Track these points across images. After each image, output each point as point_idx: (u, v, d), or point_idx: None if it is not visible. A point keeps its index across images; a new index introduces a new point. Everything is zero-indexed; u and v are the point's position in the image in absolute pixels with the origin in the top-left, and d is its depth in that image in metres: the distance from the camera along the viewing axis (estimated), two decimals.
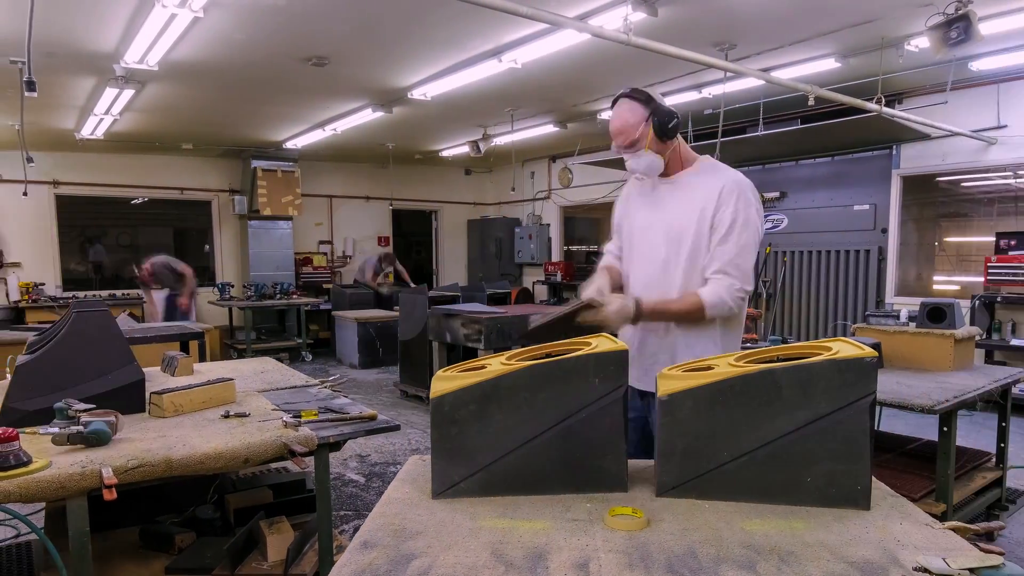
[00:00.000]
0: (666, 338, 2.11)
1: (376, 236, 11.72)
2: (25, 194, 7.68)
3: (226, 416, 2.40)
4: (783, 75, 5.47)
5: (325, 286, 10.59)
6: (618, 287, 2.22)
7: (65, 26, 4.53)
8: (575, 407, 1.55)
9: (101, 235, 10.10)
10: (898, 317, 4.07)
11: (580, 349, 1.64)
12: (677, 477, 1.53)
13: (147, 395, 2.49)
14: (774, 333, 7.57)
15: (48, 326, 3.39)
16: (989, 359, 6.13)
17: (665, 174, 2.13)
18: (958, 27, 3.85)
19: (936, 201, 7.08)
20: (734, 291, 2.00)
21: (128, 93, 6.02)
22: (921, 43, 4.88)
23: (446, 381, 1.56)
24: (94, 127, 7.39)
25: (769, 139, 6.72)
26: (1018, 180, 6.29)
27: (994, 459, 3.70)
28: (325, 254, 11.16)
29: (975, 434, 5.14)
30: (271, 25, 4.66)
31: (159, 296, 7.57)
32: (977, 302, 6.03)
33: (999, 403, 3.57)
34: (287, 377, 3.25)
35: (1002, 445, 3.62)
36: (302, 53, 5.32)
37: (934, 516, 1.46)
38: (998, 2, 4.27)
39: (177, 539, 2.57)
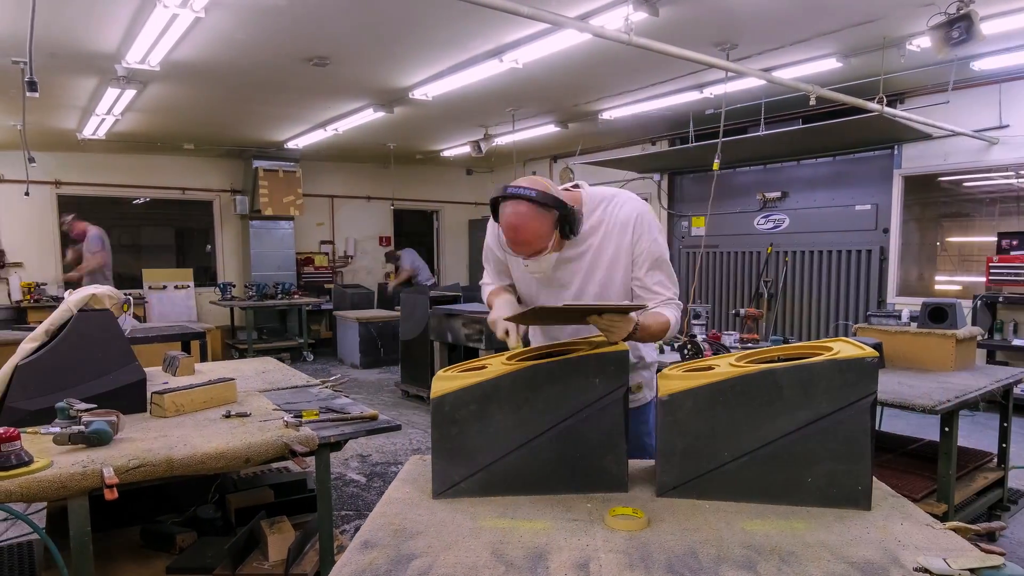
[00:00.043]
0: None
1: (378, 236, 11.72)
2: (27, 194, 7.69)
3: (227, 416, 2.40)
4: (784, 75, 5.47)
5: (327, 286, 10.60)
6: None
7: (67, 26, 4.54)
8: (575, 407, 1.55)
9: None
10: (899, 317, 4.06)
11: (580, 349, 1.64)
12: (677, 477, 1.53)
13: (148, 395, 2.50)
14: (775, 333, 7.56)
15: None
16: (991, 359, 6.12)
17: None
18: (960, 27, 3.84)
19: (938, 201, 7.06)
20: (679, 314, 2.01)
21: (130, 93, 6.03)
22: (923, 43, 4.87)
23: (447, 381, 1.57)
24: (96, 127, 7.40)
25: (770, 139, 6.71)
26: (1020, 180, 6.28)
27: (996, 459, 3.70)
28: (327, 254, 11.17)
29: (977, 434, 5.14)
30: (272, 25, 4.66)
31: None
32: (979, 302, 6.02)
33: (1001, 403, 3.57)
34: (288, 377, 3.25)
35: (1004, 445, 3.61)
36: (303, 53, 5.33)
37: (935, 516, 1.46)
38: (1000, 2, 4.27)
39: (178, 539, 2.57)
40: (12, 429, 1.84)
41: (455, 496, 1.55)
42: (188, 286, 9.49)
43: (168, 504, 2.84)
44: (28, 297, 8.48)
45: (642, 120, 7.76)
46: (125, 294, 2.88)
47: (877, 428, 3.47)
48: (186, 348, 4.94)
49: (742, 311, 4.90)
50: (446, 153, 10.15)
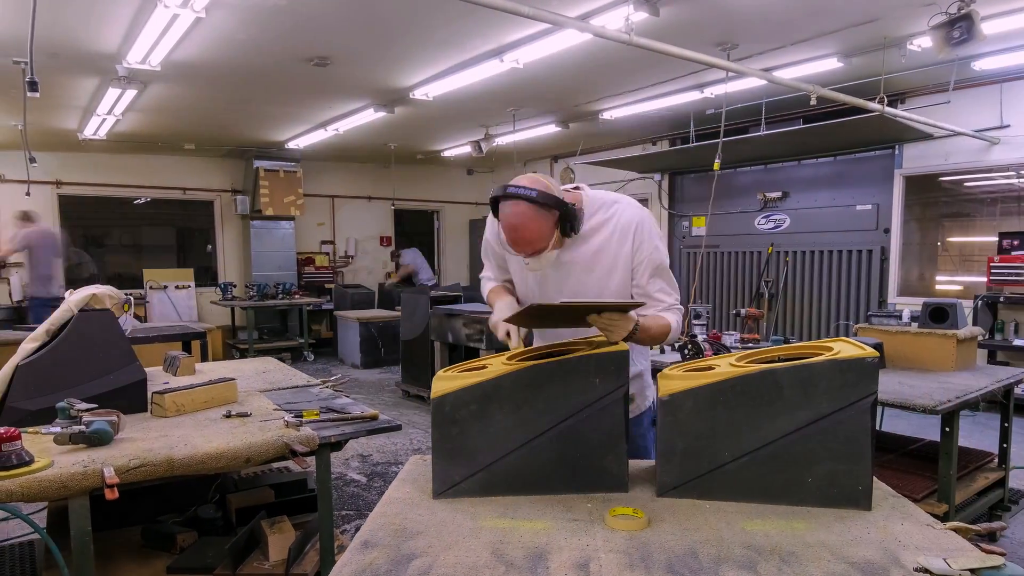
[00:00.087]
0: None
1: (378, 236, 11.73)
2: (28, 194, 7.69)
3: (228, 416, 2.40)
4: (785, 75, 5.47)
5: (327, 286, 10.61)
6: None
7: (67, 26, 4.54)
8: (576, 407, 1.55)
9: (103, 235, 10.14)
10: (900, 317, 4.06)
11: (580, 349, 1.64)
12: (678, 477, 1.52)
13: (149, 395, 2.50)
14: (776, 333, 7.56)
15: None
16: (992, 359, 6.12)
17: None
18: (960, 27, 3.84)
19: (939, 201, 7.06)
20: (680, 319, 2.02)
21: (131, 93, 6.03)
22: (923, 43, 4.87)
23: (447, 381, 1.57)
24: (97, 127, 7.40)
25: (771, 139, 6.71)
26: (1021, 180, 6.27)
27: (996, 460, 3.70)
28: (327, 254, 11.18)
29: (977, 434, 5.13)
30: (273, 25, 4.66)
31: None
32: (980, 302, 6.02)
33: (1002, 403, 3.56)
34: (289, 377, 3.25)
35: (1004, 445, 3.61)
36: (304, 53, 5.33)
37: (936, 517, 1.45)
38: (1000, 1, 4.27)
39: (179, 538, 2.57)
40: (13, 429, 1.84)
41: (455, 496, 1.55)
42: (189, 286, 9.50)
43: (169, 504, 2.84)
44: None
45: (643, 120, 7.76)
46: (126, 294, 2.88)
47: (878, 428, 3.47)
48: (187, 348, 4.95)
49: (743, 311, 4.89)
50: (447, 153, 10.15)
